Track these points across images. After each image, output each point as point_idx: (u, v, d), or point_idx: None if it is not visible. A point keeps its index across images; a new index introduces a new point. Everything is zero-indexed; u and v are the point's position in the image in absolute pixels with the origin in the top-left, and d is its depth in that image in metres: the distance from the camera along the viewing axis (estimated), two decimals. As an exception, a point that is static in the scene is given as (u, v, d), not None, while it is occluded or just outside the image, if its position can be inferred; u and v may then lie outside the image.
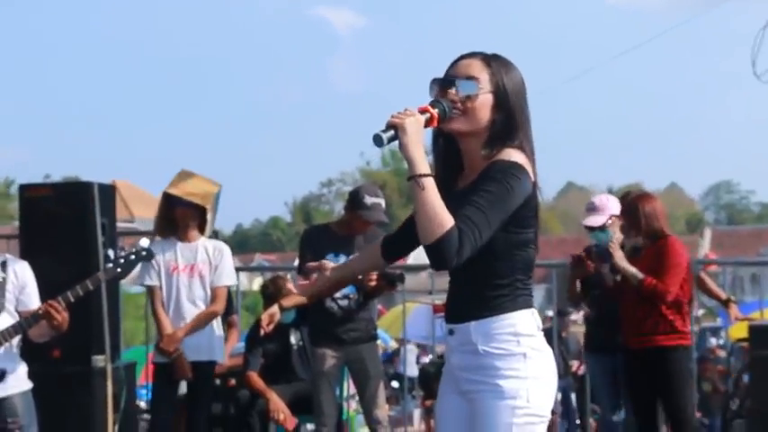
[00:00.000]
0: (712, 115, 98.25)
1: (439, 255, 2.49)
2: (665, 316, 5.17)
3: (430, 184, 2.52)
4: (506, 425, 2.62)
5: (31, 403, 4.61)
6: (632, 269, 5.16)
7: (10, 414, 4.48)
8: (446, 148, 2.80)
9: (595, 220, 5.59)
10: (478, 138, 2.71)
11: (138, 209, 37.45)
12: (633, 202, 5.35)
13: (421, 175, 2.51)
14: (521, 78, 2.77)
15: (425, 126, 2.62)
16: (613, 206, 5.64)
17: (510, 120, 2.70)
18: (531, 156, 2.70)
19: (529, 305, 2.72)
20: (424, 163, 2.54)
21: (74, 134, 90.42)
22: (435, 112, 2.64)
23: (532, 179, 2.65)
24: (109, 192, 5.97)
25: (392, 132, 2.56)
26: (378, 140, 2.56)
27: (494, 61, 2.74)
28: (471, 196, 2.57)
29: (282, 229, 65.12)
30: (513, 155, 2.64)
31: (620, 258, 5.19)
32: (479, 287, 2.70)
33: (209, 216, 5.63)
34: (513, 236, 2.66)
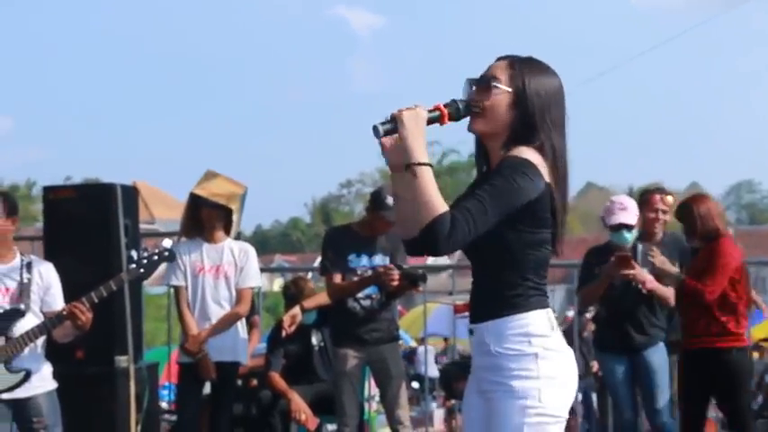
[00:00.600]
0: (733, 114, 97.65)
1: (429, 238, 2.51)
2: (717, 318, 5.14)
3: (424, 173, 2.56)
4: (518, 424, 2.64)
5: (56, 403, 4.65)
6: (674, 270, 5.15)
7: (35, 414, 4.52)
8: (483, 151, 2.84)
9: (628, 218, 5.54)
10: (500, 139, 2.74)
11: (159, 210, 37.62)
12: (687, 205, 5.30)
13: (416, 164, 2.56)
14: (552, 83, 2.77)
15: (440, 123, 2.68)
16: (636, 207, 5.65)
17: (528, 120, 2.71)
18: (552, 159, 2.69)
19: (543, 305, 2.72)
20: (420, 153, 2.58)
21: (92, 135, 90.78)
22: (446, 110, 2.69)
23: (546, 180, 2.65)
24: (131, 193, 6.01)
25: (390, 125, 2.63)
26: (375, 130, 2.65)
27: (520, 63, 2.76)
28: (476, 189, 2.62)
29: (302, 230, 65.19)
30: (526, 152, 2.65)
31: (661, 262, 5.18)
32: (493, 287, 2.73)
33: (234, 217, 5.65)
34: (527, 235, 2.67)
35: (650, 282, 5.43)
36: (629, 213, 5.54)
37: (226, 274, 5.62)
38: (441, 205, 2.52)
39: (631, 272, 5.37)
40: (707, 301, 5.07)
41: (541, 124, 2.71)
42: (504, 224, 2.61)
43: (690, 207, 5.25)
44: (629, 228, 5.52)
